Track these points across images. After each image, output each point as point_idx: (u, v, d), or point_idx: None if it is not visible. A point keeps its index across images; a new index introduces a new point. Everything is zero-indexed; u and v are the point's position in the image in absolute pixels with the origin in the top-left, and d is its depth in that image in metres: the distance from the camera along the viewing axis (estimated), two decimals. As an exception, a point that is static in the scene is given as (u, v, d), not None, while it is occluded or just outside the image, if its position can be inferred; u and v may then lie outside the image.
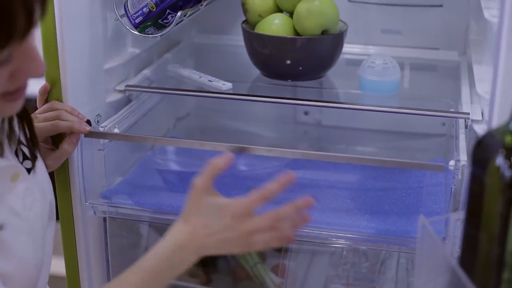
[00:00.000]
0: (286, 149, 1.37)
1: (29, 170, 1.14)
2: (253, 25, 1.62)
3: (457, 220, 1.18)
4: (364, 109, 1.52)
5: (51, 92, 1.39)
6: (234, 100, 1.58)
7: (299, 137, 1.93)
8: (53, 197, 1.21)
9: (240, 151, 1.38)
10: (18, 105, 0.97)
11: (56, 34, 1.35)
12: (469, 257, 0.97)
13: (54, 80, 1.38)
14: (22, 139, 1.16)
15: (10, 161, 1.09)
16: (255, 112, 1.89)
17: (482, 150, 0.91)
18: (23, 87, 0.96)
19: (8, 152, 1.10)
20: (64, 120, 1.37)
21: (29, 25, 0.86)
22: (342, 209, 1.43)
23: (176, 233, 1.11)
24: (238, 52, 1.79)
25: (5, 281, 1.06)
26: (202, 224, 1.11)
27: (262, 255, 1.77)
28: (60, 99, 1.39)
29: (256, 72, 1.66)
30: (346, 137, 1.88)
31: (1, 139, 1.09)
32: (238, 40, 1.83)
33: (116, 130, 1.45)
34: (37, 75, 0.94)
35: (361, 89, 1.56)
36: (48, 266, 1.21)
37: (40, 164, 1.18)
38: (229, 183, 1.48)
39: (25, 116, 1.15)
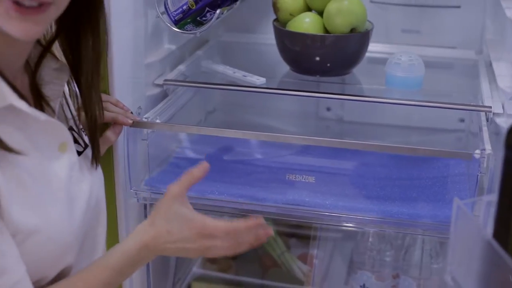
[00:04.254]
0: (322, 138, 1.45)
1: (79, 153, 1.21)
2: (284, 23, 1.70)
3: (489, 202, 1.25)
4: (386, 102, 1.60)
5: (99, 85, 1.47)
6: (261, 94, 1.66)
7: (321, 132, 2.01)
8: (103, 191, 1.29)
9: (278, 141, 1.48)
10: (32, 27, 1.02)
11: (105, 31, 1.42)
12: (502, 237, 1.04)
13: (102, 74, 1.45)
14: (72, 124, 1.23)
15: (60, 122, 1.16)
16: (278, 107, 1.97)
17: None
18: (33, 5, 1.00)
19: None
20: (109, 111, 1.45)
21: None
22: (372, 196, 1.51)
23: (142, 233, 1.21)
24: (264, 50, 1.87)
25: (34, 238, 1.09)
26: (166, 230, 1.20)
27: (289, 243, 1.85)
28: (106, 92, 1.47)
29: (285, 68, 1.74)
30: (367, 132, 1.95)
31: (53, 106, 1.16)
32: (263, 38, 1.92)
33: (158, 121, 1.53)
34: None
35: (387, 85, 1.65)
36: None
37: (90, 153, 1.25)
38: (244, 169, 1.57)
39: (92, 113, 1.23)
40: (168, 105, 1.63)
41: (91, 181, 1.22)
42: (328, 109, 1.98)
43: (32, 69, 1.17)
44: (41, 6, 1.02)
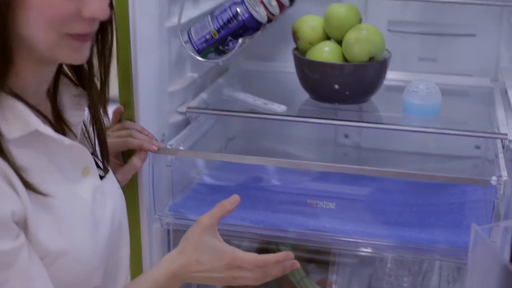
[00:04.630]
0: (341, 165, 1.49)
1: (100, 177, 1.25)
2: (303, 52, 1.74)
3: (506, 228, 1.28)
4: (403, 129, 1.64)
5: (124, 113, 1.51)
6: (281, 121, 1.70)
7: (339, 159, 2.04)
8: (125, 213, 1.32)
9: (297, 167, 1.52)
10: (83, 53, 1.10)
11: (131, 60, 1.47)
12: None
13: (127, 102, 1.50)
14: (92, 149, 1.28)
15: (83, 146, 1.20)
16: (297, 133, 2.00)
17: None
18: (89, 32, 1.08)
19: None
20: (135, 138, 1.49)
21: None
22: (390, 222, 1.55)
23: (171, 262, 1.26)
24: (284, 78, 1.91)
25: (61, 261, 1.13)
26: (196, 260, 1.26)
27: (307, 269, 1.87)
28: (132, 119, 1.51)
29: (304, 96, 1.78)
30: (384, 159, 1.98)
31: (75, 131, 1.21)
32: (283, 66, 1.96)
33: (181, 148, 1.57)
34: (97, 14, 1.06)
35: (405, 112, 1.68)
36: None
37: (112, 177, 1.29)
38: (262, 196, 1.61)
39: (100, 129, 1.27)
40: (191, 132, 1.67)
41: (113, 204, 1.25)
42: (346, 136, 2.02)
43: (52, 94, 1.20)
44: (92, 36, 1.10)
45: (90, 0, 1.06)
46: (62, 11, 1.05)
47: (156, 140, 1.53)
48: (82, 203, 1.18)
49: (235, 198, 1.31)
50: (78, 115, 1.22)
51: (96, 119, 1.26)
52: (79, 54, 1.10)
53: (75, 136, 1.21)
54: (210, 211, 1.28)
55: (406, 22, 1.93)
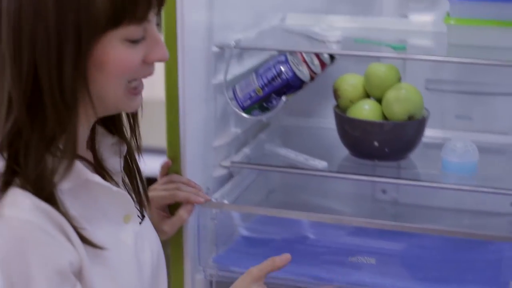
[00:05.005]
0: (384, 221, 1.53)
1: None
2: (344, 110, 1.79)
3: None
4: (442, 187, 1.69)
5: (171, 166, 1.57)
6: (322, 177, 1.75)
7: (376, 214, 2.07)
8: (162, 256, 1.36)
9: (339, 222, 1.56)
10: (139, 101, 1.19)
11: (179, 116, 1.54)
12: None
13: (175, 156, 1.56)
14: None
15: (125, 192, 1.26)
16: (336, 188, 2.04)
17: None
18: (142, 83, 1.17)
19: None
20: (182, 191, 1.54)
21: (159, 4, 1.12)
22: (428, 278, 1.57)
23: None
24: (324, 134, 1.96)
25: None
26: None
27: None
28: (178, 173, 1.56)
29: (344, 152, 1.82)
30: (421, 214, 2.01)
31: (117, 179, 1.26)
32: (323, 122, 2.01)
33: (225, 201, 1.62)
34: (163, 58, 1.15)
35: (443, 170, 1.72)
36: None
37: (148, 221, 1.34)
38: (303, 249, 1.65)
39: (137, 176, 1.33)
40: (234, 185, 1.72)
41: (151, 247, 1.30)
42: (384, 191, 2.05)
43: (91, 145, 1.26)
44: None
45: (155, 46, 1.14)
46: (133, 63, 1.12)
47: (203, 192, 1.58)
48: (128, 249, 1.23)
49: (286, 257, 1.37)
50: (118, 163, 1.27)
51: (133, 166, 1.32)
52: (138, 102, 1.19)
53: (117, 184, 1.26)
54: (260, 264, 1.34)
55: (444, 80, 1.97)
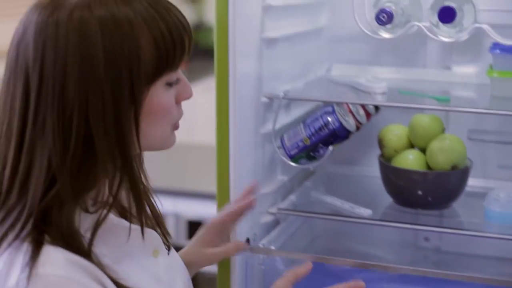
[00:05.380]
0: (426, 269, 1.56)
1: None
2: (388, 159, 1.83)
3: None
4: (485, 236, 1.71)
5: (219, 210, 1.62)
6: (366, 224, 1.79)
7: (419, 262, 2.10)
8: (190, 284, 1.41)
9: (384, 270, 1.59)
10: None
11: (229, 163, 1.59)
12: None
13: (225, 202, 1.61)
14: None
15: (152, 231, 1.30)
16: (378, 235, 2.07)
17: None
18: None
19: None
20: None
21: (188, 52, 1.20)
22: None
23: None
24: (368, 182, 2.00)
25: None
26: None
27: None
28: (227, 219, 1.61)
29: (387, 200, 1.86)
30: (463, 263, 2.03)
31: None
32: (367, 170, 2.05)
33: (272, 247, 1.66)
34: (190, 96, 1.23)
35: (486, 219, 1.75)
36: None
37: (174, 251, 1.38)
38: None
39: (155, 209, 1.36)
40: (280, 232, 1.76)
41: (181, 277, 1.35)
42: (426, 239, 2.08)
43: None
44: None
45: (185, 87, 1.22)
46: (172, 104, 1.20)
47: (248, 239, 1.63)
48: (162, 284, 1.27)
49: (307, 265, 1.41)
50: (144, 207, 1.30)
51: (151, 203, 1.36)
52: (174, 138, 1.25)
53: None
54: (283, 276, 1.39)
55: (486, 131, 2.00)
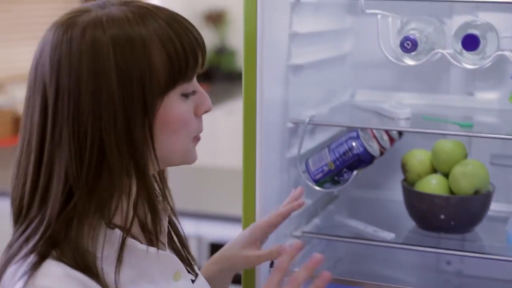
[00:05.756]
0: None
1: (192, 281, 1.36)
2: (411, 183, 1.86)
3: None
4: (507, 259, 1.72)
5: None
6: (390, 248, 1.81)
7: (441, 285, 2.12)
8: None
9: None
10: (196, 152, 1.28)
11: (255, 187, 1.62)
12: None
13: (249, 224, 1.64)
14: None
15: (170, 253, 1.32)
16: (400, 258, 2.09)
17: None
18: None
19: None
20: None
21: (202, 63, 1.23)
22: None
23: None
24: (391, 206, 2.03)
25: None
26: None
27: None
28: (253, 243, 1.64)
29: (410, 223, 1.88)
30: (485, 287, 2.05)
31: (163, 240, 1.33)
32: (390, 194, 2.07)
33: (296, 270, 1.68)
34: (209, 109, 1.26)
35: (508, 243, 1.77)
36: None
37: (202, 280, 1.40)
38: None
39: (180, 236, 1.41)
40: (304, 254, 1.78)
41: None
42: (448, 262, 2.09)
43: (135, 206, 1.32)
44: None
45: (204, 99, 1.26)
46: (190, 116, 1.24)
47: (272, 262, 1.65)
48: None
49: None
50: (163, 224, 1.33)
51: (175, 225, 1.40)
52: (196, 153, 1.28)
53: (163, 244, 1.33)
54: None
55: (509, 156, 2.02)
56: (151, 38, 1.16)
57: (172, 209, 1.37)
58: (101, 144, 1.15)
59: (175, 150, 1.24)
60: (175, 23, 1.19)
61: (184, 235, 1.42)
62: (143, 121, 1.17)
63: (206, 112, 1.27)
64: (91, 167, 1.15)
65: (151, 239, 1.28)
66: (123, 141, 1.16)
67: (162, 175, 1.36)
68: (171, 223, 1.39)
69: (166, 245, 1.34)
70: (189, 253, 1.41)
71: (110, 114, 1.15)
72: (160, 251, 1.28)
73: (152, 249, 1.26)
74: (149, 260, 1.25)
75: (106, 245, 1.19)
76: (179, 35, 1.19)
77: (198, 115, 1.26)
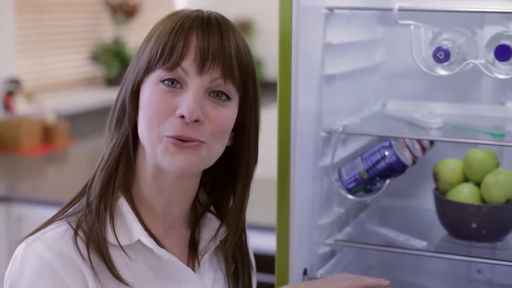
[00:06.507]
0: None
1: None
2: (443, 192, 1.87)
3: None
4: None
5: (278, 243, 1.67)
6: (421, 256, 1.83)
7: (471, 294, 2.14)
8: None
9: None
10: (182, 161, 1.27)
11: (289, 195, 1.65)
12: None
13: (283, 233, 1.67)
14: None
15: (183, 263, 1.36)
16: (430, 267, 2.11)
17: None
18: (183, 136, 1.27)
19: None
20: None
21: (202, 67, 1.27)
22: None
23: None
24: (422, 214, 2.04)
25: None
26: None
27: None
28: (286, 248, 1.66)
29: (442, 232, 1.90)
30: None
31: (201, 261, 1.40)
32: (421, 203, 2.09)
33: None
34: (184, 113, 1.25)
35: (539, 252, 1.78)
36: None
37: None
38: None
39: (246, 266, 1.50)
40: (336, 262, 1.81)
41: None
42: (479, 271, 2.11)
43: (192, 225, 1.40)
44: (195, 145, 1.27)
45: (183, 102, 1.26)
46: (162, 106, 1.26)
47: (306, 269, 1.68)
48: None
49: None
50: (209, 246, 1.40)
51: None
52: (176, 161, 1.26)
53: (198, 263, 1.38)
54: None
55: (540, 165, 2.04)
56: (157, 28, 1.30)
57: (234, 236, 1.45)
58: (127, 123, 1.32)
59: (145, 141, 1.29)
60: (187, 23, 1.27)
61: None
62: (134, 101, 1.30)
63: (181, 115, 1.26)
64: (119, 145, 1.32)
65: (193, 260, 1.38)
66: (120, 107, 1.32)
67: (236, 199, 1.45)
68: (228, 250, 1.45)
69: (200, 267, 1.40)
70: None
71: (122, 98, 1.32)
72: (171, 258, 1.32)
73: (164, 253, 1.31)
74: (161, 263, 1.31)
75: (120, 233, 1.28)
76: (178, 31, 1.26)
77: (177, 115, 1.27)
